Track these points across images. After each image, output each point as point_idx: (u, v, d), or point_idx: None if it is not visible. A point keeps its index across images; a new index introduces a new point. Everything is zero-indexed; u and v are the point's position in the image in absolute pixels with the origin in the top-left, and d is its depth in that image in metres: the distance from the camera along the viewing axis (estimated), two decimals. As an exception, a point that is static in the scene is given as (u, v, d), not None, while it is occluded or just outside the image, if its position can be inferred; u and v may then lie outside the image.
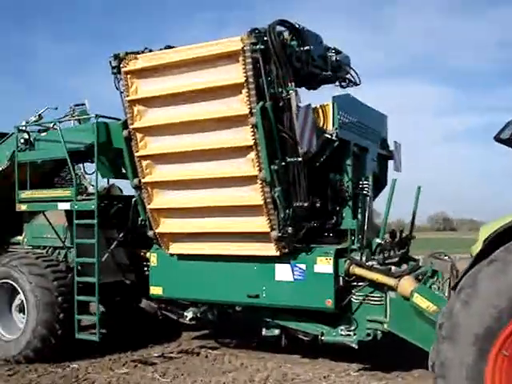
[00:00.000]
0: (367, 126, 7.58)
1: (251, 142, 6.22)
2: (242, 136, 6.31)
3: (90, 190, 9.06)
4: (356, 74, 7.61)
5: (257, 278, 6.89)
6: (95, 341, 7.62)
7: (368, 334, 6.66)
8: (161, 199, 7.05)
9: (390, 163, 8.27)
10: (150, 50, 6.96)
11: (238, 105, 6.29)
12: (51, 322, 7.58)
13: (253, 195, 6.43)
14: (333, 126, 6.68)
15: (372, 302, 6.70)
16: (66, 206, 7.68)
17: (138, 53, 6.91)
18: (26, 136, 8.08)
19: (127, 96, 6.90)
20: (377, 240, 7.01)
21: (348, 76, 7.56)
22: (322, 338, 6.86)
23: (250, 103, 6.16)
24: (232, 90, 6.30)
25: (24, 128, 8.19)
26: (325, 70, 7.07)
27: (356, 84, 7.67)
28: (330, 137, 6.56)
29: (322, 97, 7.13)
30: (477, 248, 4.44)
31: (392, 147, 8.22)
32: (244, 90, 6.16)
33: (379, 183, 7.76)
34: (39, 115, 8.27)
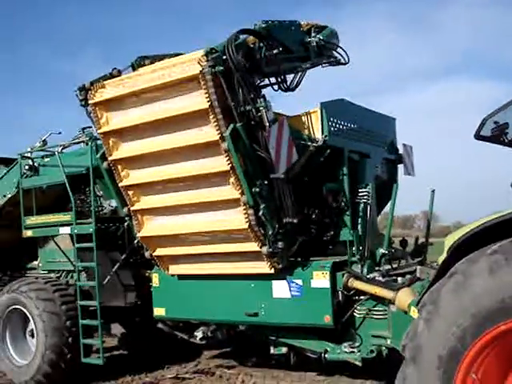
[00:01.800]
0: (368, 130, 7.22)
1: (228, 167, 5.94)
2: (219, 161, 6.03)
3: (107, 209, 9.02)
4: (344, 51, 7.24)
5: (254, 296, 6.63)
6: (100, 364, 7.55)
7: (372, 351, 6.26)
8: (151, 226, 6.89)
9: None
10: (119, 71, 6.84)
11: (209, 130, 5.99)
12: (60, 347, 7.58)
13: (239, 218, 6.17)
14: (322, 133, 6.38)
15: (375, 317, 6.31)
16: (67, 230, 7.72)
17: (105, 77, 6.77)
18: (31, 162, 8.18)
19: (99, 128, 6.73)
20: (381, 250, 6.65)
21: (335, 54, 7.21)
22: (326, 355, 6.52)
23: (219, 128, 5.84)
24: (200, 115, 5.99)
25: (29, 154, 8.30)
26: (307, 58, 6.78)
27: (343, 63, 7.27)
28: (316, 145, 6.26)
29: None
30: (441, 259, 4.08)
31: (401, 151, 7.81)
32: (211, 115, 5.86)
33: (387, 189, 7.36)
34: (43, 141, 8.34)
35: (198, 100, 5.94)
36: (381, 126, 7.59)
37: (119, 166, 6.80)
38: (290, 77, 6.85)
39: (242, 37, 6.04)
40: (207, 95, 5.78)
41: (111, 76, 6.84)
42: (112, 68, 6.85)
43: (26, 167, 8.19)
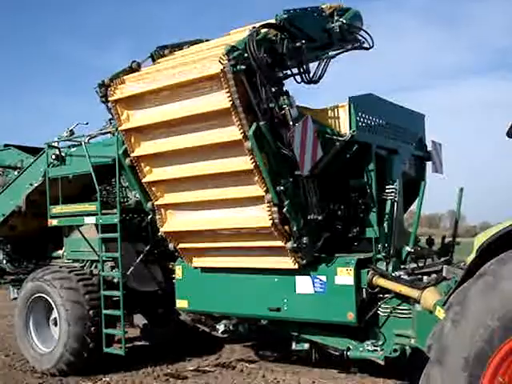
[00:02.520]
0: (397, 126, 7.10)
1: (252, 166, 5.84)
2: (242, 160, 5.94)
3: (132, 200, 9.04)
4: (368, 34, 6.92)
5: (278, 290, 6.57)
6: (122, 354, 7.58)
7: (395, 350, 6.17)
8: (174, 221, 6.84)
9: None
10: (138, 64, 6.81)
11: (232, 129, 5.87)
12: (82, 336, 7.65)
13: (263, 215, 6.08)
14: (350, 128, 6.28)
15: (400, 316, 6.21)
16: (92, 219, 7.75)
17: (124, 71, 6.71)
18: (57, 152, 8.22)
19: (120, 125, 6.65)
20: (407, 248, 6.54)
21: (359, 37, 6.94)
22: (348, 353, 6.44)
23: (242, 127, 5.72)
24: (222, 114, 5.87)
25: (56, 144, 8.34)
26: (330, 45, 6.63)
27: (367, 48, 6.99)
28: (343, 140, 6.17)
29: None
30: (470, 259, 3.98)
31: (430, 148, 7.69)
32: (233, 115, 5.73)
33: (415, 186, 7.24)
34: (70, 131, 8.36)
35: (219, 99, 5.82)
36: (409, 123, 7.47)
37: (142, 163, 6.75)
38: (313, 67, 6.53)
39: (263, 31, 5.85)
40: (229, 94, 5.65)
41: (131, 69, 6.79)
42: (131, 61, 6.78)
43: (53, 157, 8.22)
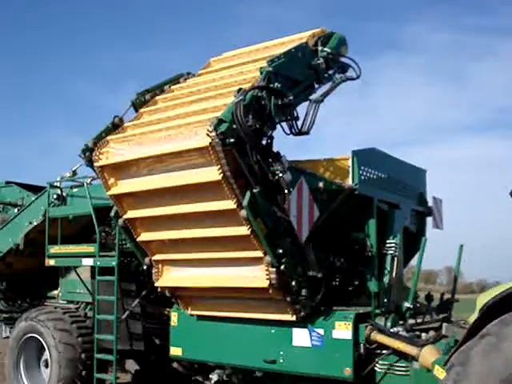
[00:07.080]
0: (399, 180, 7.16)
1: (248, 232, 5.69)
2: (239, 227, 5.77)
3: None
4: (355, 62, 6.66)
5: (274, 342, 6.46)
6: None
7: (391, 408, 6.07)
8: (170, 277, 6.69)
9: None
10: (121, 119, 6.71)
11: (225, 199, 5.65)
12: (73, 379, 7.58)
13: (261, 275, 5.92)
14: (352, 181, 6.33)
15: (397, 373, 6.12)
16: (90, 261, 7.71)
17: (107, 129, 6.59)
18: (59, 192, 8.25)
19: (108, 190, 6.47)
20: (406, 304, 6.49)
21: (345, 66, 6.73)
22: (343, 410, 6.32)
23: (235, 197, 5.54)
24: (214, 186, 5.64)
25: (58, 184, 8.37)
26: (318, 81, 6.49)
27: (354, 78, 6.71)
28: (344, 191, 6.20)
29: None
30: (472, 319, 3.95)
31: (431, 203, 7.73)
32: (225, 186, 5.52)
33: (415, 242, 7.25)
34: (73, 171, 8.38)
35: (210, 170, 5.62)
36: (411, 177, 7.54)
37: (135, 224, 6.55)
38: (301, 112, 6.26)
39: (249, 94, 5.51)
40: (219, 167, 5.45)
41: (113, 126, 6.66)
42: (113, 116, 6.65)
43: (54, 196, 8.26)
